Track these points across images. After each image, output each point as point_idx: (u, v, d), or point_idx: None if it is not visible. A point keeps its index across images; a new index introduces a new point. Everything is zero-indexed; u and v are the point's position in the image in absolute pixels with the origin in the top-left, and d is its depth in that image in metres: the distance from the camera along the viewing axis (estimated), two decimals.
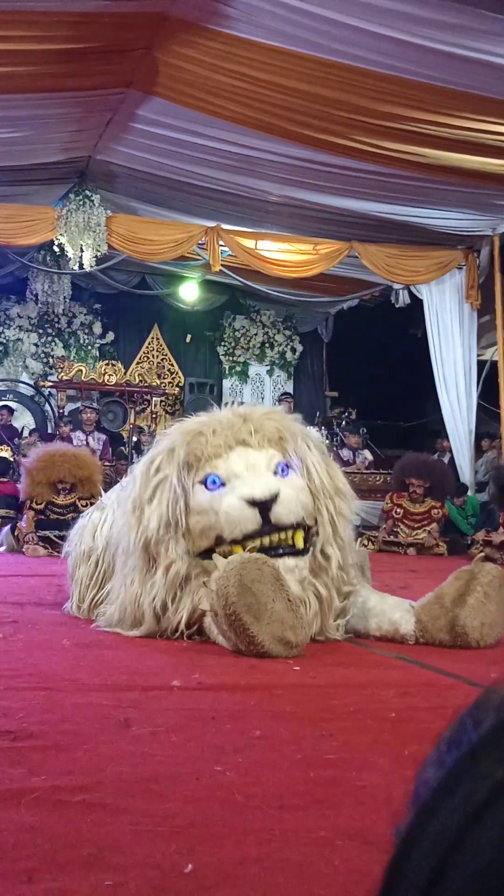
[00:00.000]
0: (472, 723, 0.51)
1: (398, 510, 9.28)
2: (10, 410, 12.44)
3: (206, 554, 3.26)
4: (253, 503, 3.15)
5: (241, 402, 10.49)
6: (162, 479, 3.29)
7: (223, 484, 3.25)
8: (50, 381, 13.25)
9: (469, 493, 10.54)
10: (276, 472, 3.29)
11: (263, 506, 3.15)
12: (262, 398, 14.67)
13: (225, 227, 11.03)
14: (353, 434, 11.77)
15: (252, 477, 3.22)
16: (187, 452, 3.31)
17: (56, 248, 10.96)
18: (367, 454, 11.69)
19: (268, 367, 14.93)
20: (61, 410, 12.85)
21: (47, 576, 5.54)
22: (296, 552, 3.21)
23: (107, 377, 13.17)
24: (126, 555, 3.41)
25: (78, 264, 10.72)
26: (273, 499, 3.16)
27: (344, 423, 12.45)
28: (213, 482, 3.26)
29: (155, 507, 3.26)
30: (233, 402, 3.92)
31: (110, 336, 14.18)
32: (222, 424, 3.39)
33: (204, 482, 3.28)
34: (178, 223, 11.19)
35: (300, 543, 3.24)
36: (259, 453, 3.32)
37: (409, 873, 0.48)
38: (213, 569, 3.19)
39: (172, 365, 14.43)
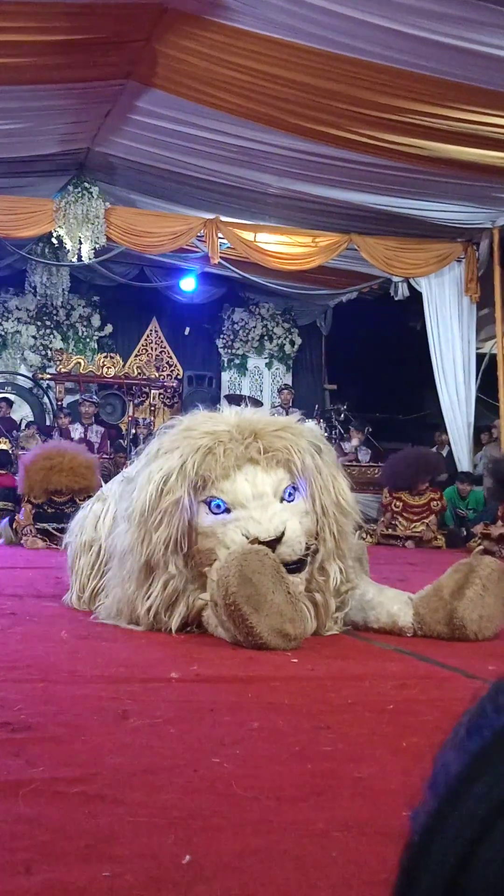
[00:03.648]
0: (493, 709, 0.51)
1: (398, 503, 9.28)
2: (9, 403, 12.44)
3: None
4: (257, 543, 3.10)
5: (256, 402, 10.46)
6: (173, 501, 3.20)
7: (227, 510, 3.20)
8: (48, 373, 13.24)
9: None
10: (283, 498, 3.24)
11: (267, 544, 3.10)
12: (261, 391, 14.66)
13: (224, 219, 11.02)
14: (358, 430, 11.79)
15: (258, 509, 3.16)
16: (196, 473, 3.22)
17: (54, 241, 10.95)
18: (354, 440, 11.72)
19: (266, 360, 14.92)
20: (60, 403, 12.85)
21: (46, 568, 5.54)
22: (293, 569, 3.19)
23: (105, 370, 13.17)
24: (126, 556, 3.39)
25: (76, 256, 10.71)
26: (278, 538, 3.11)
27: (342, 416, 12.45)
28: (218, 506, 3.20)
29: (163, 531, 3.19)
30: (244, 402, 3.85)
31: (109, 328, 14.17)
32: (233, 440, 3.29)
33: (207, 503, 3.22)
34: (176, 215, 11.17)
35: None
36: (267, 476, 3.24)
37: (433, 861, 0.47)
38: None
39: (171, 357, 14.42)
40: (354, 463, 10.88)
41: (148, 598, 3.23)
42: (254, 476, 3.24)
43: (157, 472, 3.28)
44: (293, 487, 3.28)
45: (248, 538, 3.10)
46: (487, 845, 0.45)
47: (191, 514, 3.20)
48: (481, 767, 0.48)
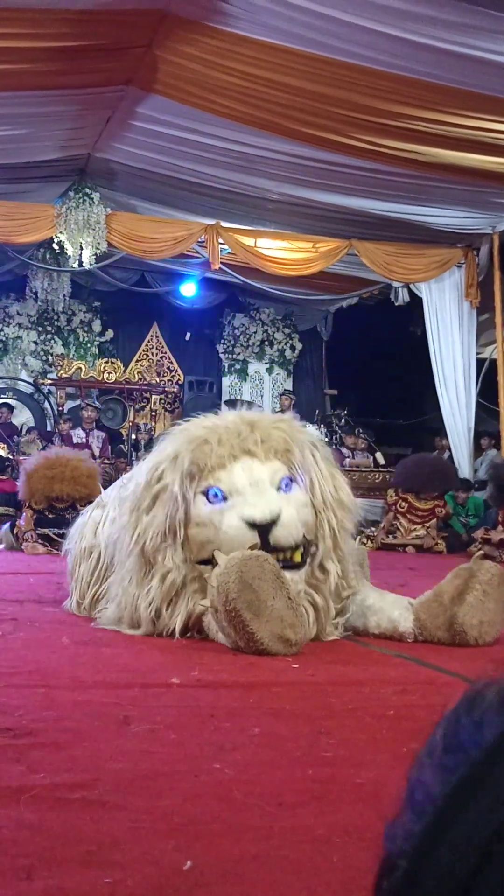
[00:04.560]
0: (471, 724, 0.48)
1: (403, 503, 9.24)
2: (10, 408, 12.44)
3: (206, 562, 3.25)
4: (253, 525, 3.13)
5: (249, 404, 10.48)
6: (162, 487, 3.26)
7: (225, 498, 3.22)
8: (49, 378, 13.25)
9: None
10: (279, 488, 3.26)
11: (264, 528, 3.13)
12: (262, 396, 14.66)
13: (224, 224, 11.03)
14: (349, 435, 11.80)
15: (255, 495, 3.18)
16: (191, 461, 3.26)
17: (56, 246, 10.95)
18: (378, 457, 11.66)
19: (267, 366, 14.92)
20: (61, 408, 12.86)
21: (46, 573, 5.54)
22: (293, 566, 3.20)
23: (106, 375, 13.18)
24: (124, 555, 3.41)
25: (77, 262, 10.71)
26: (274, 521, 3.14)
27: (343, 421, 12.46)
28: (215, 495, 3.23)
29: (152, 517, 3.23)
30: (242, 404, 3.91)
31: (110, 334, 14.18)
32: (229, 432, 3.33)
33: (206, 493, 3.24)
34: (177, 221, 11.19)
35: (298, 559, 3.24)
36: (263, 466, 3.28)
37: (429, 888, 0.44)
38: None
39: (172, 363, 14.43)
40: (355, 468, 10.88)
41: (148, 592, 3.24)
42: (250, 466, 3.27)
43: (148, 464, 3.39)
44: (290, 479, 3.30)
45: (245, 521, 3.12)
46: (487, 875, 0.42)
47: (185, 503, 3.23)
48: (472, 790, 0.45)
